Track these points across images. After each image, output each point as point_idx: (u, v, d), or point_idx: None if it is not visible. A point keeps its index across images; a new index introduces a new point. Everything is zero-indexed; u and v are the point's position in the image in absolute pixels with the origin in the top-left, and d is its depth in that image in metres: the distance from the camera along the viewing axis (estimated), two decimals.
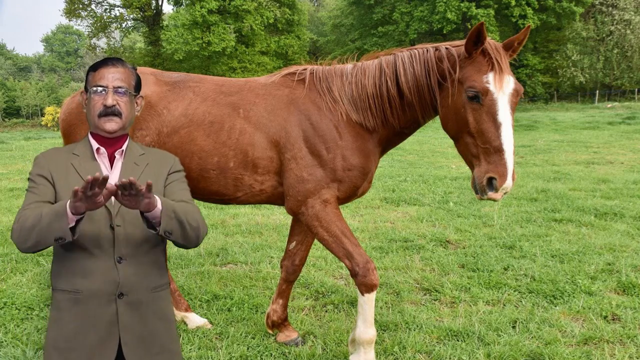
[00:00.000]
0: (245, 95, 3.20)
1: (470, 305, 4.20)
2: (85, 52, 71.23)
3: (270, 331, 3.73)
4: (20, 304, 4.19)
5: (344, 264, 3.28)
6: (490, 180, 2.57)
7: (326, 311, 4.17)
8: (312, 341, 3.65)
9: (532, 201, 7.94)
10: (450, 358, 3.37)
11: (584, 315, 3.97)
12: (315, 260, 5.30)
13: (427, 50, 2.90)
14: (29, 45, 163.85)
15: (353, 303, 4.20)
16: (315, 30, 56.95)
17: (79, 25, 79.54)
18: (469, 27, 37.45)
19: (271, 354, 3.47)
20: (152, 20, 44.34)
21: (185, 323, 3.88)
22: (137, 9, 42.69)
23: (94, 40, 46.49)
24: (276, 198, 3.23)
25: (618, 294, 4.42)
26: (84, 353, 1.88)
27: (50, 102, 51.96)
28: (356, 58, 3.29)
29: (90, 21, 44.53)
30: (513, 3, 38.52)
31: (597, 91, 44.18)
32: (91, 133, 2.02)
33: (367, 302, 3.03)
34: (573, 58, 43.20)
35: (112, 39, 46.56)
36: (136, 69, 2.12)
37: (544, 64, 44.29)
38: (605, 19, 43.68)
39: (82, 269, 1.88)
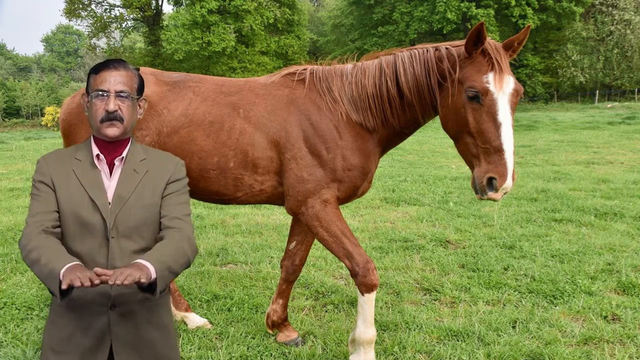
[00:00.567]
0: (245, 95, 3.20)
1: (470, 305, 4.20)
2: (85, 52, 71.24)
3: (270, 331, 3.73)
4: (20, 304, 4.19)
5: (344, 264, 3.28)
6: (490, 180, 2.57)
7: (326, 311, 4.17)
8: (312, 341, 3.65)
9: (532, 201, 7.94)
10: (450, 358, 3.37)
11: (584, 315, 3.97)
12: (315, 260, 5.30)
13: (427, 50, 2.90)
14: (29, 45, 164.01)
15: (353, 303, 4.20)
16: (315, 30, 56.94)
17: (79, 25, 79.66)
18: (469, 27, 37.45)
19: (271, 354, 3.47)
20: (152, 20, 44.33)
21: (185, 323, 3.89)
22: (137, 9, 42.67)
23: (94, 40, 46.48)
24: (276, 198, 3.23)
25: (618, 294, 4.42)
26: (77, 357, 1.89)
27: (50, 102, 51.95)
28: (356, 58, 3.29)
29: (90, 21, 44.52)
30: (513, 3, 38.51)
31: (597, 91, 44.18)
32: (93, 136, 2.00)
33: (367, 302, 3.03)
34: (573, 58, 43.20)
35: (112, 39, 46.54)
36: (139, 70, 2.10)
37: (544, 64, 44.29)
38: (605, 19, 43.67)
39: None
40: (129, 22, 47.02)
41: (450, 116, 2.77)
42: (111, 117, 1.91)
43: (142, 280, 1.65)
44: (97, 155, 1.96)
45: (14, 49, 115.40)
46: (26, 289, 4.56)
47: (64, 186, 1.90)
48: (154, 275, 1.72)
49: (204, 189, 3.20)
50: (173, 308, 3.94)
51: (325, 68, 3.22)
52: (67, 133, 3.33)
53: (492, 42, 2.67)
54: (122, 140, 1.99)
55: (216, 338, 3.70)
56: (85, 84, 2.05)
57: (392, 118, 3.03)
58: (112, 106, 1.90)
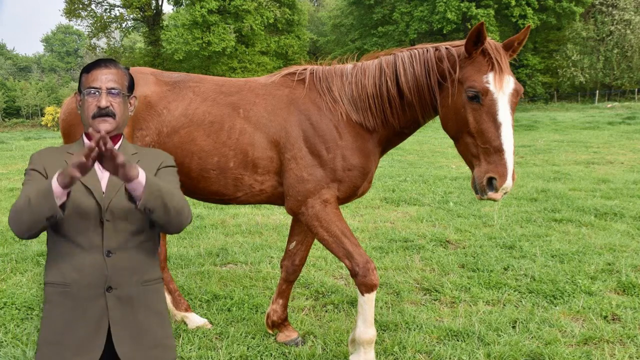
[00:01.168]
0: (245, 95, 3.20)
1: (470, 305, 4.20)
2: (85, 52, 71.19)
3: (270, 331, 3.73)
4: (20, 304, 4.19)
5: (344, 264, 3.28)
6: (490, 180, 2.57)
7: (326, 311, 4.17)
8: (312, 341, 3.65)
9: (532, 201, 7.94)
10: (450, 358, 3.37)
11: (584, 315, 3.97)
12: (315, 260, 5.30)
13: (427, 50, 2.90)
14: (29, 45, 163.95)
15: (353, 303, 4.20)
16: (315, 30, 56.94)
17: (79, 25, 79.66)
18: (469, 27, 37.46)
19: (271, 354, 3.47)
20: (152, 20, 44.34)
21: (185, 323, 3.88)
22: (137, 9, 42.69)
23: (94, 40, 46.51)
24: (276, 198, 3.23)
25: (618, 294, 4.42)
26: (73, 346, 1.89)
27: (50, 102, 51.96)
28: (356, 58, 3.29)
29: (90, 21, 44.55)
30: (513, 3, 38.52)
31: (597, 91, 44.18)
32: (86, 134, 2.06)
33: (367, 302, 3.03)
34: (573, 58, 43.20)
35: (112, 39, 46.57)
36: (129, 69, 2.15)
37: (544, 64, 44.30)
38: (605, 19, 43.68)
39: (71, 262, 1.91)
40: (129, 22, 47.06)
41: (450, 116, 2.77)
42: (103, 113, 1.95)
43: (130, 173, 1.69)
44: None
45: (14, 49, 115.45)
46: (26, 289, 4.56)
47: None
48: (142, 181, 1.74)
49: (204, 189, 3.20)
50: (173, 308, 3.94)
51: (325, 68, 3.23)
52: (67, 133, 3.33)
53: (492, 42, 2.67)
54: (114, 136, 2.04)
55: (216, 338, 3.70)
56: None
57: (392, 118, 3.03)
58: (104, 102, 1.95)
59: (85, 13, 44.08)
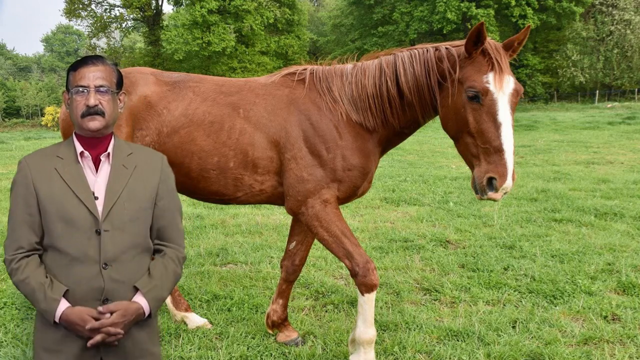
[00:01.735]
0: (245, 95, 3.20)
1: (470, 305, 4.20)
2: (85, 52, 71.14)
3: (270, 331, 3.73)
4: (20, 304, 4.19)
5: (344, 264, 3.28)
6: (490, 180, 2.57)
7: (326, 311, 4.17)
8: (312, 341, 3.65)
9: (532, 201, 7.94)
10: (450, 358, 3.37)
11: (584, 315, 3.97)
12: (315, 260, 5.30)
13: (427, 50, 2.90)
14: (29, 45, 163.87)
15: (353, 303, 4.20)
16: (315, 30, 56.95)
17: (79, 25, 79.56)
18: (469, 27, 37.45)
19: (271, 354, 3.47)
20: (152, 20, 44.34)
21: (185, 323, 3.88)
22: (137, 9, 42.68)
23: (94, 40, 46.51)
24: (276, 198, 3.23)
25: (618, 294, 4.42)
26: (72, 356, 1.90)
27: (50, 102, 51.94)
28: (356, 58, 3.29)
29: (90, 21, 44.54)
30: (513, 3, 38.51)
31: (597, 91, 44.18)
32: (76, 134, 2.01)
33: (367, 302, 3.03)
34: (573, 58, 43.20)
35: (112, 39, 46.56)
36: (117, 65, 2.12)
37: (544, 64, 44.29)
38: (605, 19, 43.67)
39: (66, 275, 1.89)
40: (129, 22, 47.05)
41: (450, 116, 2.77)
42: (92, 112, 1.92)
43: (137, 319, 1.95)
44: (82, 153, 1.97)
45: (14, 49, 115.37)
46: None
47: (46, 185, 1.91)
48: (147, 309, 1.95)
49: (204, 189, 3.20)
50: (173, 308, 3.94)
51: (325, 68, 3.22)
52: (66, 133, 3.33)
53: (492, 42, 2.67)
54: (105, 136, 2.00)
55: (216, 338, 3.70)
56: None
57: (392, 118, 3.03)
58: (92, 100, 1.91)
59: (85, 13, 44.09)
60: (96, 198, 1.92)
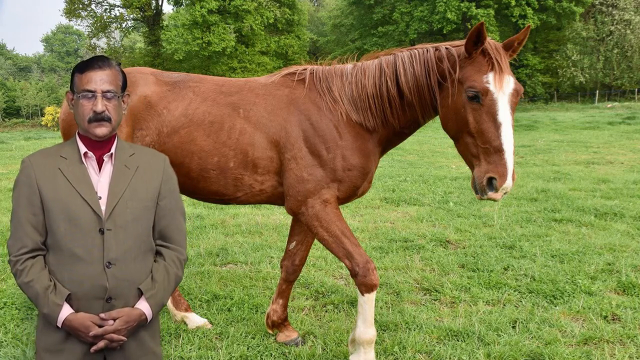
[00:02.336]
0: (245, 95, 3.20)
1: (470, 305, 4.20)
2: (85, 52, 71.13)
3: (270, 331, 3.73)
4: (20, 304, 4.19)
5: (344, 264, 3.28)
6: (490, 180, 2.57)
7: (326, 311, 4.17)
8: (312, 341, 3.65)
9: (532, 201, 7.94)
10: (450, 358, 3.37)
11: (584, 315, 3.97)
12: (315, 260, 5.30)
13: (427, 50, 2.90)
14: (29, 45, 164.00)
15: (353, 303, 4.20)
16: (315, 30, 56.96)
17: (79, 25, 79.70)
18: (469, 27, 37.45)
19: (271, 354, 3.47)
20: (152, 20, 44.33)
21: (185, 323, 3.88)
22: (137, 9, 42.68)
23: (94, 40, 46.49)
24: (276, 198, 3.23)
25: (618, 294, 4.42)
26: (75, 355, 1.91)
27: (50, 102, 51.95)
28: (356, 58, 3.29)
29: (90, 21, 44.54)
30: (513, 3, 38.50)
31: (597, 91, 44.18)
32: (79, 134, 2.01)
33: (367, 302, 3.03)
34: (573, 58, 43.20)
35: (112, 39, 46.56)
36: (120, 65, 2.11)
37: (544, 64, 44.28)
38: (605, 19, 43.68)
39: (70, 274, 1.89)
40: (129, 22, 47.04)
41: (450, 116, 2.77)
42: (99, 118, 1.91)
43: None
44: (85, 153, 1.97)
45: (14, 49, 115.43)
46: None
47: (50, 184, 1.91)
48: (150, 314, 1.98)
49: (204, 189, 3.20)
50: (173, 308, 3.94)
51: (325, 68, 3.22)
52: (67, 133, 3.33)
53: (492, 42, 2.67)
54: (109, 138, 2.01)
55: (216, 338, 3.70)
56: None
57: (392, 118, 3.03)
58: (100, 107, 1.91)
59: (85, 13, 44.08)
60: (99, 198, 1.92)
